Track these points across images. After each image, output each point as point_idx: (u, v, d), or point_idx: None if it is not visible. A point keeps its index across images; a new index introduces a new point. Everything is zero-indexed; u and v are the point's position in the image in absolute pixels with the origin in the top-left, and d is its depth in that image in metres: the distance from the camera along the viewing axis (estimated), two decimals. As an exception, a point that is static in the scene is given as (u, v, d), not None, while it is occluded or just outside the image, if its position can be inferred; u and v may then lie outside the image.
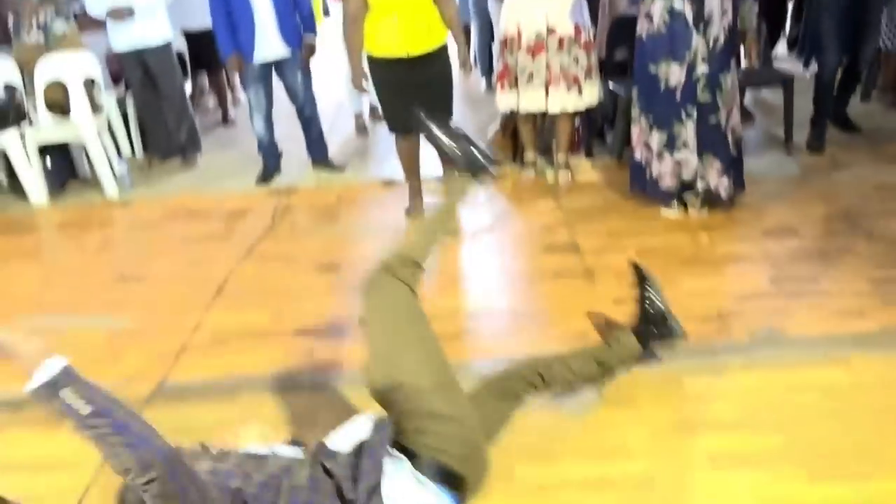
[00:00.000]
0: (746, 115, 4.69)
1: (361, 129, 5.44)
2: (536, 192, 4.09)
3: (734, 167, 3.49)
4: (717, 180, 3.44)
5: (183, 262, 3.62)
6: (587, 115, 4.31)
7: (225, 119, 6.13)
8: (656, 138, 3.44)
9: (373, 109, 5.52)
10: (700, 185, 3.45)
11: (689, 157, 3.38)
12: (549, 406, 2.19)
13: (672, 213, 3.55)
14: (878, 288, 2.79)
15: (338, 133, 5.28)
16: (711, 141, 3.36)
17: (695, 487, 1.96)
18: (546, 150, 4.41)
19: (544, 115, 4.42)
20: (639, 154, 3.57)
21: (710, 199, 3.48)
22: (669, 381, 2.37)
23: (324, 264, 3.45)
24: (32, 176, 4.44)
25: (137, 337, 2.96)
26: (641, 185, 3.63)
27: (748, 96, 4.88)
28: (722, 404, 2.25)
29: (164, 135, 4.99)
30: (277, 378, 2.57)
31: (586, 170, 4.26)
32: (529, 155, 4.26)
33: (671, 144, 3.41)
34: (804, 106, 4.25)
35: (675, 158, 3.40)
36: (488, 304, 3.01)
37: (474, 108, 5.24)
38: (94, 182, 4.74)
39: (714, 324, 2.67)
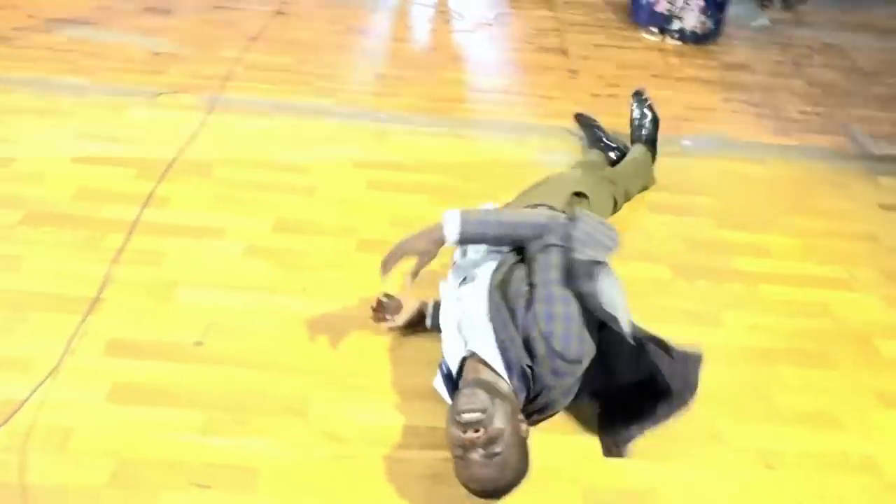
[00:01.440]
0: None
1: None
2: (535, 1, 4.47)
3: (715, 9, 3.94)
4: (696, 20, 3.91)
5: (207, 6, 3.93)
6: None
7: None
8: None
9: None
10: (676, 25, 3.93)
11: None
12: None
13: (652, 37, 4.03)
14: (805, 118, 3.40)
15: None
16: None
17: (634, 223, 2.59)
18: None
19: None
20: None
21: (685, 38, 3.97)
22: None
23: (341, 27, 3.86)
24: None
25: (178, 60, 3.35)
26: (638, 14, 4.08)
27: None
28: (664, 175, 2.84)
29: None
30: (307, 107, 3.07)
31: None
32: (533, -34, 4.58)
33: None
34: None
35: None
36: (486, 82, 3.50)
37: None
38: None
39: (669, 123, 3.21)
